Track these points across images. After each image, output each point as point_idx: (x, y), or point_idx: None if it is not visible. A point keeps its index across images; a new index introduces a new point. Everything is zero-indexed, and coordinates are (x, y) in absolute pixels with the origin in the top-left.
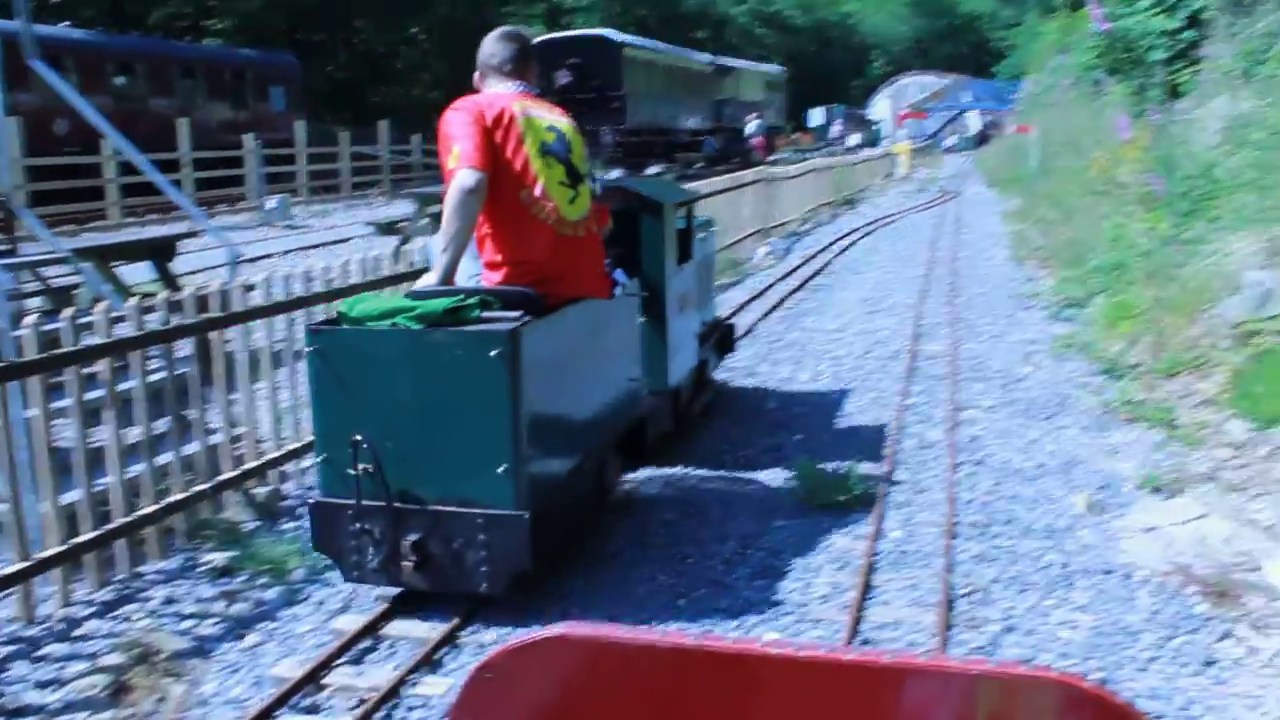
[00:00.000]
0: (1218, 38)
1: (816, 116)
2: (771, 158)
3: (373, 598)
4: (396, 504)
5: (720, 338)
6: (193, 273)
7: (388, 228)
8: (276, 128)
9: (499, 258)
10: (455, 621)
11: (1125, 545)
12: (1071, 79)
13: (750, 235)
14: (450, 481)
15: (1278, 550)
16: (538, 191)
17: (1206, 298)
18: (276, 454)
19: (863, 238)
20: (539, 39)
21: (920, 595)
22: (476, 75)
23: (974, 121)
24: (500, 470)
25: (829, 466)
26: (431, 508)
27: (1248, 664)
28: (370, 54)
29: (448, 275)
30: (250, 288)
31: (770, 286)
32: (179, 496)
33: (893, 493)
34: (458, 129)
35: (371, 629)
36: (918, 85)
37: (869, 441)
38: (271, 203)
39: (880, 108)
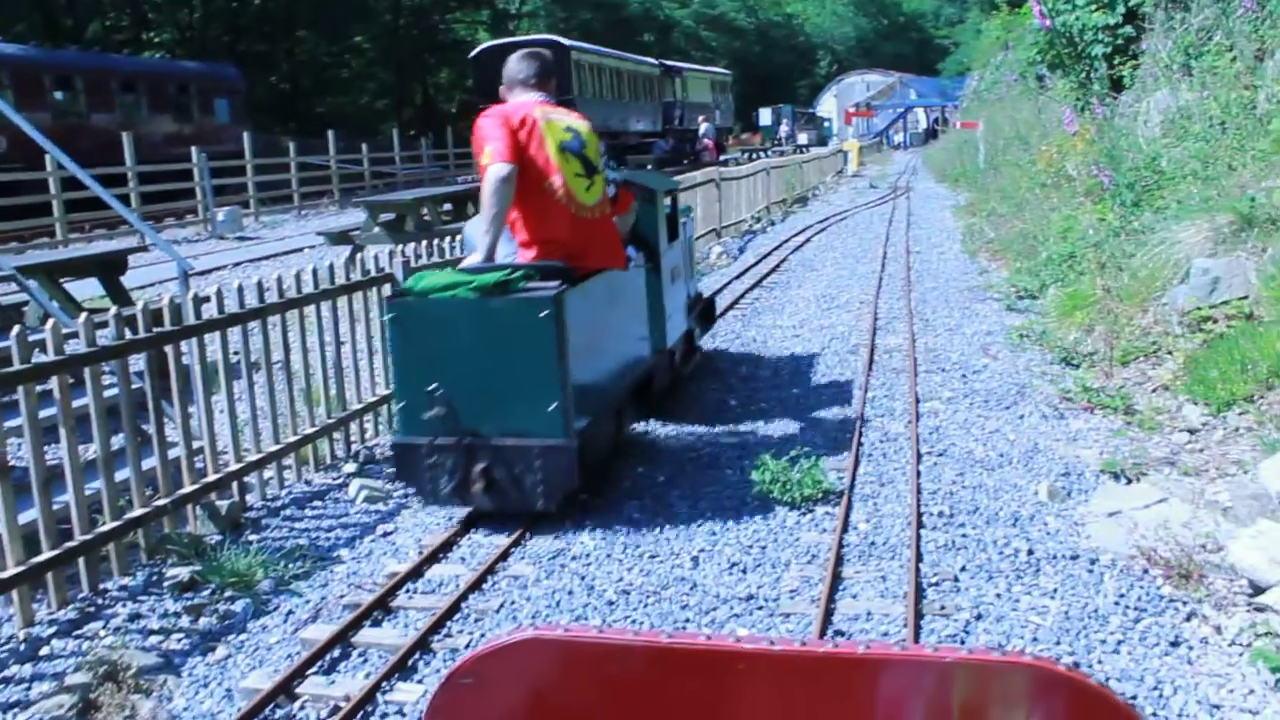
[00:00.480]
0: (1156, 33)
1: (765, 117)
2: (722, 158)
3: (341, 607)
4: (466, 440)
5: (703, 310)
6: (143, 287)
7: (340, 237)
8: (222, 140)
9: (529, 238)
10: (426, 627)
11: (1089, 530)
12: (1015, 74)
13: (703, 235)
14: (509, 420)
15: (1238, 531)
16: (557, 181)
17: (1157, 286)
18: (237, 466)
19: (816, 235)
20: (487, 45)
21: (889, 586)
22: (504, 88)
23: (921, 118)
24: (551, 409)
25: (794, 461)
26: (494, 442)
27: (1213, 643)
28: (314, 64)
29: (490, 253)
30: (204, 300)
31: (726, 285)
32: (139, 512)
33: (858, 485)
34: (489, 131)
35: (341, 637)
36: (864, 84)
37: (832, 435)
38: (221, 215)
39: (827, 106)
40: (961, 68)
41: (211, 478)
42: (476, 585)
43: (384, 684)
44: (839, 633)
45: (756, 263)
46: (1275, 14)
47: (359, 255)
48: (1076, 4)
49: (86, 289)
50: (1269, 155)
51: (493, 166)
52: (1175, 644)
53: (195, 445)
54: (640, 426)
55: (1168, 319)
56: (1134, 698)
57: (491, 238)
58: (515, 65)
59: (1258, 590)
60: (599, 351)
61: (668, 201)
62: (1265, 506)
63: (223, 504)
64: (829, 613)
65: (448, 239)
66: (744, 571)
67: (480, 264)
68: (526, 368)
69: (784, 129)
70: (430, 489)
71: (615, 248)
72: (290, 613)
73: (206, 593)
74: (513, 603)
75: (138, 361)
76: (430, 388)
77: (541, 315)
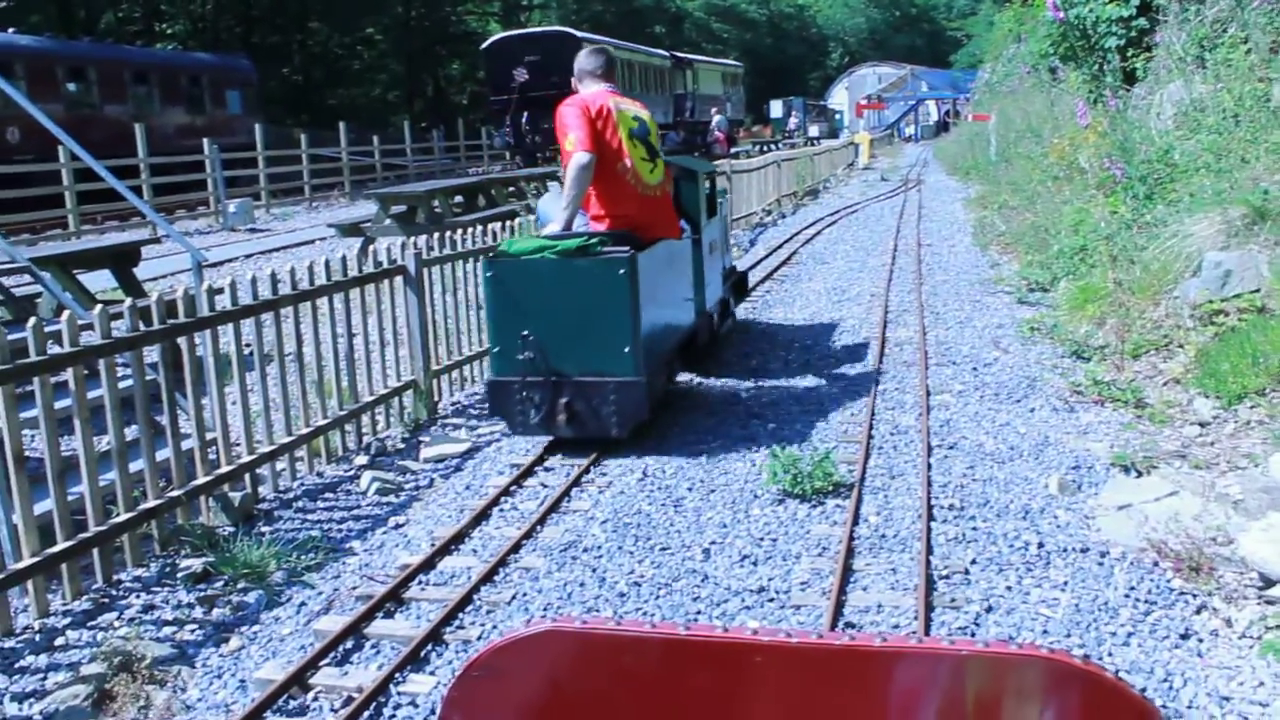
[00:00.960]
0: (1170, 25)
1: (776, 109)
2: (733, 150)
3: (354, 598)
4: (552, 378)
5: (737, 282)
6: (155, 279)
7: (351, 229)
8: (234, 131)
9: (602, 212)
10: (439, 618)
11: (1099, 523)
12: (1028, 67)
13: None
14: (589, 360)
15: (1248, 525)
16: (628, 164)
17: (1169, 279)
18: (250, 458)
19: (827, 228)
20: (499, 37)
21: (900, 579)
22: (574, 79)
23: (932, 111)
24: (625, 350)
25: (804, 454)
26: (576, 379)
27: (1224, 636)
28: (326, 56)
29: (568, 225)
30: (217, 292)
31: None
32: (153, 503)
33: (868, 478)
34: (571, 120)
35: (354, 629)
36: (875, 76)
37: (843, 428)
38: (233, 207)
39: (839, 98)
40: (973, 60)
41: (224, 469)
42: (488, 577)
43: (397, 675)
44: (850, 624)
45: (767, 255)
46: None
47: (371, 247)
48: None
49: (99, 280)
50: None
51: (576, 155)
52: (1185, 636)
53: (208, 437)
54: (650, 424)
55: (1179, 312)
56: (1144, 689)
57: (570, 213)
58: (585, 59)
59: (1268, 583)
60: (659, 307)
61: (707, 184)
62: (1276, 500)
63: (235, 495)
64: (840, 605)
65: (460, 231)
66: (755, 564)
67: (560, 232)
68: (605, 316)
69: (793, 121)
70: (520, 420)
71: (672, 221)
72: (303, 604)
73: (219, 584)
74: (524, 594)
75: (152, 353)
76: (522, 334)
77: (620, 272)
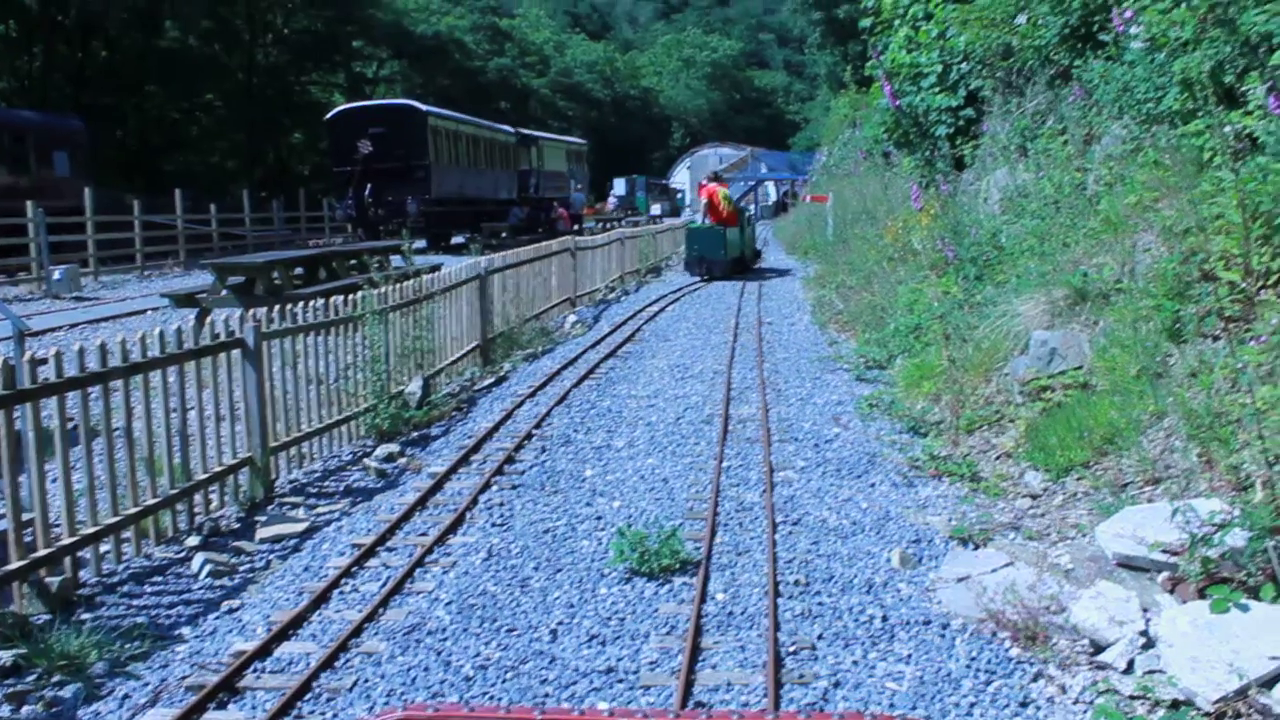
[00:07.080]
0: (994, 115)
1: (620, 186)
2: (576, 226)
3: (184, 689)
4: (703, 260)
5: (754, 251)
6: None
7: (186, 300)
8: (62, 194)
9: (713, 219)
10: (275, 708)
11: (940, 595)
12: (863, 151)
13: (557, 305)
14: (713, 254)
15: (1079, 593)
16: (723, 206)
17: (999, 357)
18: (70, 540)
19: (670, 304)
20: (343, 108)
21: (749, 656)
22: (706, 178)
23: (772, 191)
24: (723, 251)
25: (651, 532)
26: (709, 260)
27: (1059, 702)
28: (163, 120)
29: (704, 220)
30: (40, 362)
31: (581, 355)
32: None
33: (715, 555)
34: (702, 192)
35: None
36: (717, 156)
37: (688, 505)
38: (57, 273)
39: (681, 178)
40: (811, 143)
41: (41, 553)
42: (328, 663)
43: None
44: (700, 704)
45: (611, 332)
46: (1102, 101)
47: (208, 319)
48: (922, 86)
49: None
50: (1099, 233)
51: (702, 200)
52: (1024, 704)
53: (25, 517)
54: (494, 504)
55: (1009, 388)
56: None
57: (703, 218)
58: (711, 173)
59: (1098, 649)
60: (733, 241)
61: (742, 212)
62: (1103, 568)
63: (53, 581)
64: (690, 684)
65: (300, 303)
66: (603, 644)
67: (702, 223)
68: (720, 243)
69: (611, 200)
70: (695, 272)
71: (735, 221)
72: (126, 697)
73: (32, 678)
74: (366, 681)
75: None
76: (695, 247)
77: (723, 231)
